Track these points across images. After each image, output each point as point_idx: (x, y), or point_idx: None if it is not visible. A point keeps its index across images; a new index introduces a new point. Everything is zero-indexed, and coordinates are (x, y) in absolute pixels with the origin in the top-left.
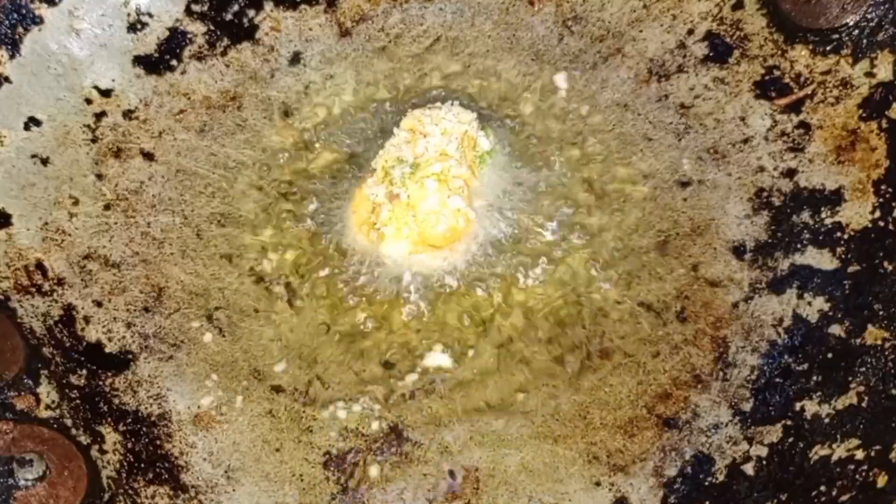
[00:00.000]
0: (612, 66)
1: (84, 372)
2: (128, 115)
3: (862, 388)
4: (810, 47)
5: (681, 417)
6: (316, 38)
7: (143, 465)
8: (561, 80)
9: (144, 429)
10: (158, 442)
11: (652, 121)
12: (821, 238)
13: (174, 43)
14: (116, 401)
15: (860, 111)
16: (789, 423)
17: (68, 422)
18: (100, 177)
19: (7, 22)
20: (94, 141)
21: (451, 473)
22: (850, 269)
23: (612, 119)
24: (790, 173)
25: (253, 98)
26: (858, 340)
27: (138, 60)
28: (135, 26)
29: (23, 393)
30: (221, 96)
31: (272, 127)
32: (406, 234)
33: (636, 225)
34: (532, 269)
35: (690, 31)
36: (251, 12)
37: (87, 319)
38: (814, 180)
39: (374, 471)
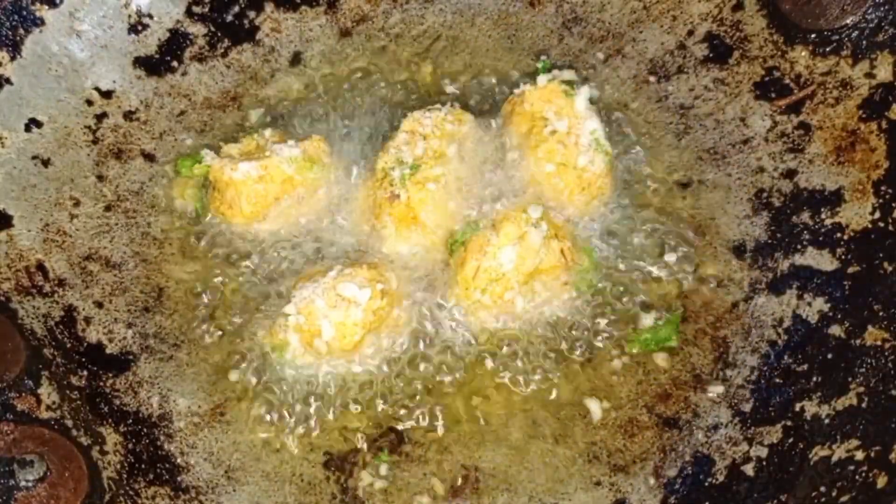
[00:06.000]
0: (612, 66)
1: (85, 373)
2: (129, 116)
3: (862, 389)
4: (810, 48)
5: (681, 417)
6: (316, 39)
7: (143, 466)
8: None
9: (145, 429)
10: (159, 442)
11: (652, 121)
12: (821, 239)
13: (175, 44)
14: (117, 401)
15: (860, 112)
16: (789, 423)
17: (69, 423)
18: (101, 178)
19: (8, 23)
20: (94, 142)
21: (451, 473)
22: (850, 269)
23: (612, 119)
24: (790, 174)
25: (253, 98)
26: (858, 341)
27: (139, 62)
28: (136, 28)
29: (23, 394)
30: (222, 97)
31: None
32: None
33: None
34: None
35: (690, 32)
36: (252, 14)
37: (87, 320)
38: (814, 181)
39: (374, 470)
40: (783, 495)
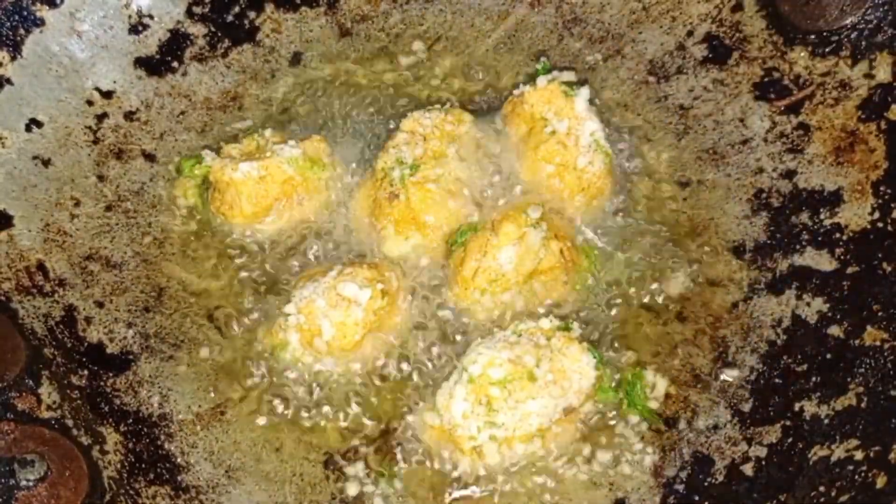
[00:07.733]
0: (611, 66)
1: (85, 372)
2: (129, 116)
3: (861, 389)
4: (809, 49)
5: (681, 417)
6: (316, 39)
7: (144, 466)
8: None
9: (145, 429)
10: (159, 442)
11: (651, 121)
12: (820, 239)
13: (175, 45)
14: (117, 401)
15: (859, 112)
16: (788, 423)
17: (69, 422)
18: (101, 178)
19: (8, 23)
20: (95, 142)
21: (450, 471)
22: (849, 270)
23: (612, 120)
24: (789, 174)
25: (253, 98)
26: (857, 341)
27: (139, 62)
28: (136, 28)
29: (24, 393)
30: (222, 97)
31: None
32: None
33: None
34: None
35: (690, 33)
36: (252, 14)
37: (88, 320)
38: (813, 181)
39: (374, 470)
40: (783, 495)
